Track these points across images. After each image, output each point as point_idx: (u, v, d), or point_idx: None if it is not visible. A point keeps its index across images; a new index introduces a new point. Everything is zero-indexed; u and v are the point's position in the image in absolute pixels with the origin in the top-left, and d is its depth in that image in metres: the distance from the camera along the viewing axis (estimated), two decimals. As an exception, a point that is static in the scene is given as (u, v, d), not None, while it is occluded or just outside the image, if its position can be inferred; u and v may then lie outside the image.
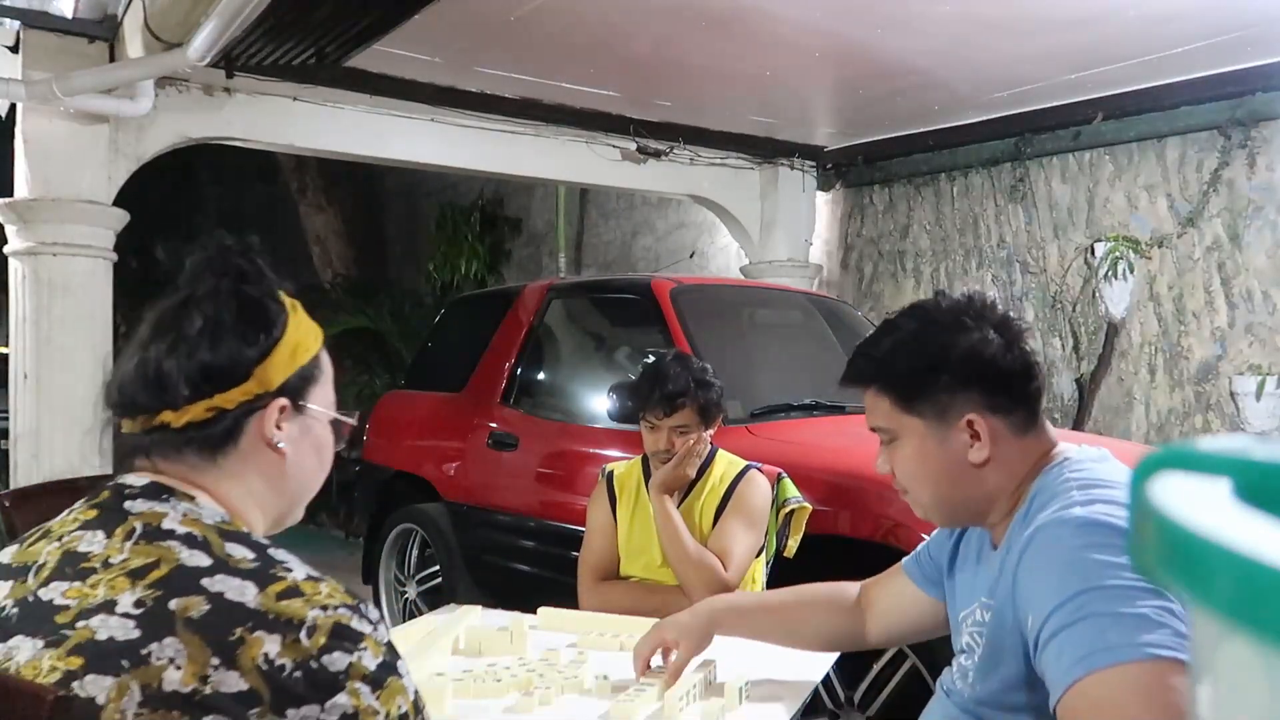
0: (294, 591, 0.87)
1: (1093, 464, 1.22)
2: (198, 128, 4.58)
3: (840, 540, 2.73)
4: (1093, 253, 4.83)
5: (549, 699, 1.58)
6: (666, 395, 2.31)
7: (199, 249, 1.01)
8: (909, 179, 5.70)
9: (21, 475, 4.08)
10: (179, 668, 0.81)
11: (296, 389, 1.00)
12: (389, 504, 4.62)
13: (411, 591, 4.44)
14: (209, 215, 11.15)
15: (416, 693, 0.91)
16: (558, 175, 5.63)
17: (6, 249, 4.24)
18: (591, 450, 3.62)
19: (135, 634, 0.83)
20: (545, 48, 4.17)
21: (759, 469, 2.42)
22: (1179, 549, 0.28)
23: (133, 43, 4.06)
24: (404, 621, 3.59)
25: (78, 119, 4.17)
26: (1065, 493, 1.16)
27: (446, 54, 4.29)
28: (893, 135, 5.55)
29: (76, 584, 0.87)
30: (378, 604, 4.56)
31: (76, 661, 0.82)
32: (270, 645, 0.83)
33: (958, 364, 1.24)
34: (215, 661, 0.81)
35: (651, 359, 2.46)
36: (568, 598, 2.35)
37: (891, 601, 1.58)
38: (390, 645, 0.90)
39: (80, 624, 0.84)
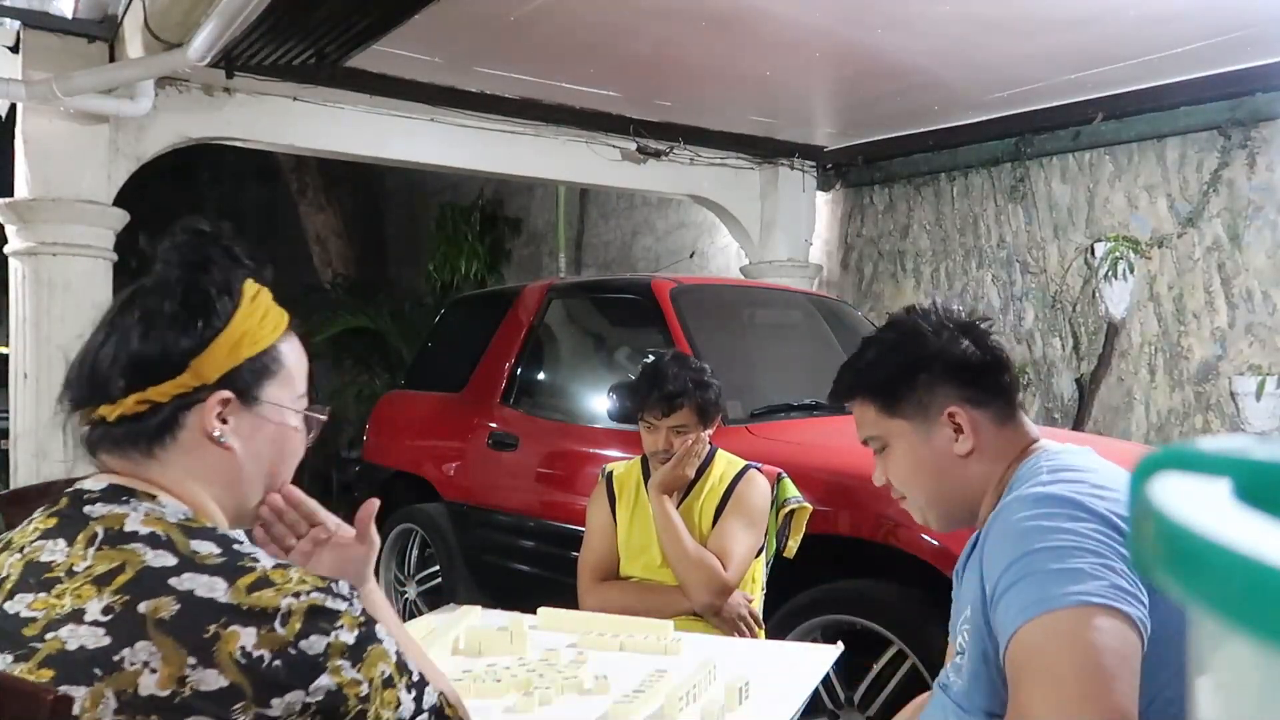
0: (264, 582, 0.86)
1: (1068, 454, 1.27)
2: (198, 128, 4.58)
3: (840, 540, 2.73)
4: (1093, 253, 4.83)
5: (549, 699, 1.58)
6: (665, 395, 2.31)
7: (170, 235, 0.98)
8: (909, 179, 5.70)
9: (22, 475, 4.08)
10: (154, 671, 0.80)
11: (246, 382, 0.96)
12: (389, 504, 4.61)
13: (411, 591, 4.45)
14: (209, 215, 11.07)
15: (399, 652, 0.90)
16: (558, 175, 5.63)
17: (6, 249, 4.24)
18: (591, 450, 3.62)
19: (106, 641, 0.81)
20: (545, 48, 4.17)
21: (759, 469, 2.42)
22: (1179, 549, 0.28)
23: (133, 43, 4.06)
24: (404, 622, 3.58)
25: (78, 119, 4.18)
26: (1035, 475, 1.22)
27: (446, 54, 4.29)
28: (893, 135, 5.55)
29: (42, 595, 0.85)
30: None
31: (47, 674, 0.81)
32: (246, 638, 0.82)
33: (931, 363, 1.33)
34: (192, 661, 0.80)
35: (650, 359, 2.47)
36: (568, 598, 2.36)
37: None
38: (366, 615, 0.89)
39: (49, 635, 0.83)
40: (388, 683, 0.88)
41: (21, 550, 0.90)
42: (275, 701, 0.82)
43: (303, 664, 0.83)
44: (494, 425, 4.09)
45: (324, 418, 1.06)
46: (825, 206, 6.20)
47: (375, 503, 1.16)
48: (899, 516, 2.55)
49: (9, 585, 0.88)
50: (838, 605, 2.73)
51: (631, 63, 4.33)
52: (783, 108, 5.13)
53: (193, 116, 4.54)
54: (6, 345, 4.40)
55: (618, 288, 4.20)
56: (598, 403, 3.67)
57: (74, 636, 0.82)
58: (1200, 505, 0.29)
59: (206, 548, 0.88)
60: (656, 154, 5.55)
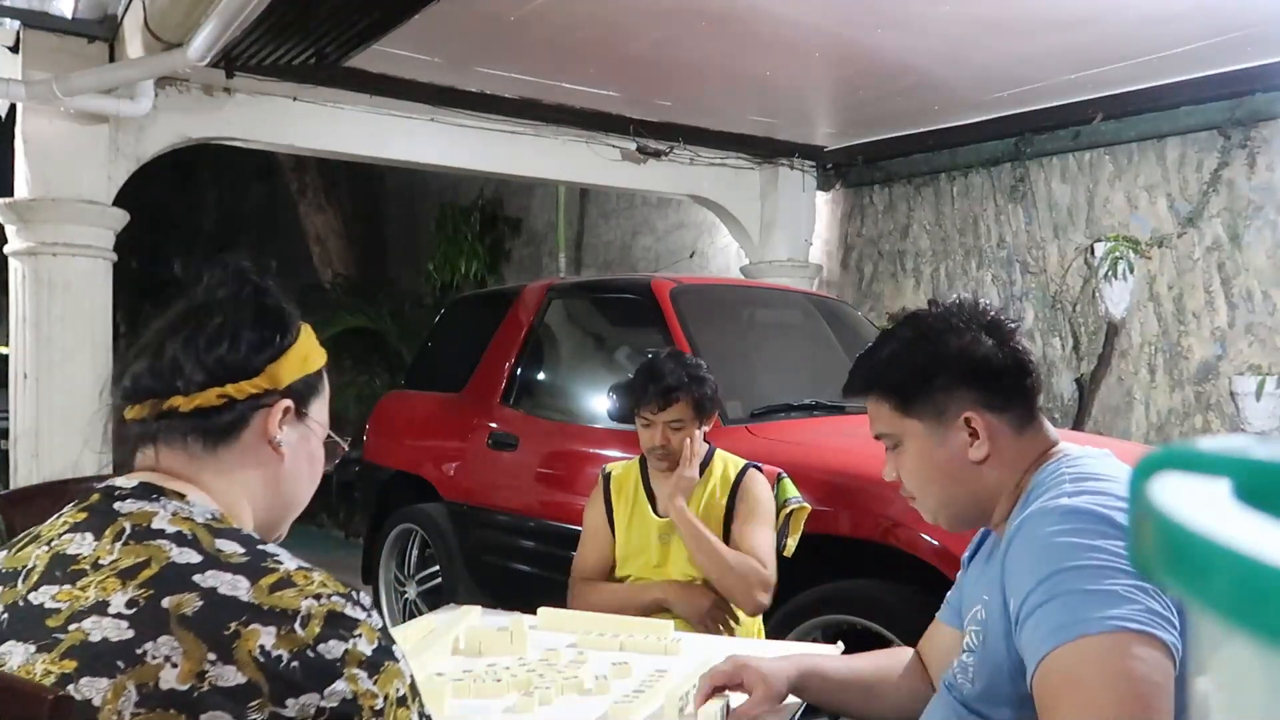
0: (286, 582, 0.87)
1: (1090, 460, 1.24)
2: (198, 128, 4.58)
3: (840, 540, 2.73)
4: (1093, 253, 4.83)
5: (549, 699, 1.58)
6: (661, 390, 2.32)
7: (217, 266, 1.05)
8: (909, 179, 5.70)
9: (21, 475, 4.09)
10: (175, 665, 0.81)
11: (302, 395, 1.03)
12: (389, 504, 4.62)
13: (411, 591, 4.45)
14: (209, 215, 11.15)
15: (413, 677, 0.92)
16: (558, 175, 5.63)
17: (6, 249, 4.24)
18: (591, 450, 3.62)
19: (129, 634, 0.82)
20: (545, 48, 4.17)
21: (759, 469, 2.43)
22: (1179, 549, 0.28)
23: (133, 43, 4.06)
24: (404, 621, 3.59)
25: (78, 119, 4.18)
26: (1058, 485, 1.19)
27: (446, 54, 4.29)
28: (893, 135, 5.55)
29: (66, 587, 0.87)
30: (378, 604, 4.56)
31: (70, 665, 0.82)
32: (266, 637, 0.83)
33: (951, 365, 1.29)
34: (212, 657, 0.81)
35: (648, 357, 2.48)
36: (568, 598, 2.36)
37: (939, 654, 1.52)
38: (385, 630, 0.90)
39: (72, 627, 0.84)
40: (401, 702, 0.89)
41: (50, 543, 0.92)
42: (290, 702, 0.83)
43: (319, 667, 0.84)
44: (494, 425, 4.09)
45: (346, 447, 1.13)
46: (825, 206, 6.20)
47: None
48: (899, 516, 2.55)
49: (35, 577, 0.89)
50: (838, 605, 2.73)
51: (631, 63, 4.33)
52: (783, 108, 5.13)
53: (193, 116, 4.54)
54: (6, 345, 4.40)
55: (618, 288, 4.20)
56: (597, 403, 3.67)
57: (97, 628, 0.83)
58: (1200, 505, 0.29)
59: (231, 547, 0.90)
60: (656, 154, 5.55)
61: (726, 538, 2.33)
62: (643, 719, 1.52)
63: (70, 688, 0.80)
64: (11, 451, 4.22)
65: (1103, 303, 4.78)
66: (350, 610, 0.88)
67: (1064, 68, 4.28)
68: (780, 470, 2.53)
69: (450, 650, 1.86)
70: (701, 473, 2.40)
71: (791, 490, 2.50)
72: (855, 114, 5.21)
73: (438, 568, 4.26)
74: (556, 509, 3.67)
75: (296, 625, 0.85)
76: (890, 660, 1.59)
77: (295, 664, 0.83)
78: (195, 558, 0.88)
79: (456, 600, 2.62)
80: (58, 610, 0.85)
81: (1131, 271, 4.64)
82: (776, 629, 2.65)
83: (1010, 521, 1.25)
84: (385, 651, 0.89)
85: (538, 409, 4.08)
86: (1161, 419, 4.61)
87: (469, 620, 2.03)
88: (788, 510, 2.48)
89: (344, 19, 3.62)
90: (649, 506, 2.42)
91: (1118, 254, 4.65)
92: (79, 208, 4.18)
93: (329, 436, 1.09)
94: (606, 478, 2.51)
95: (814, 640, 2.66)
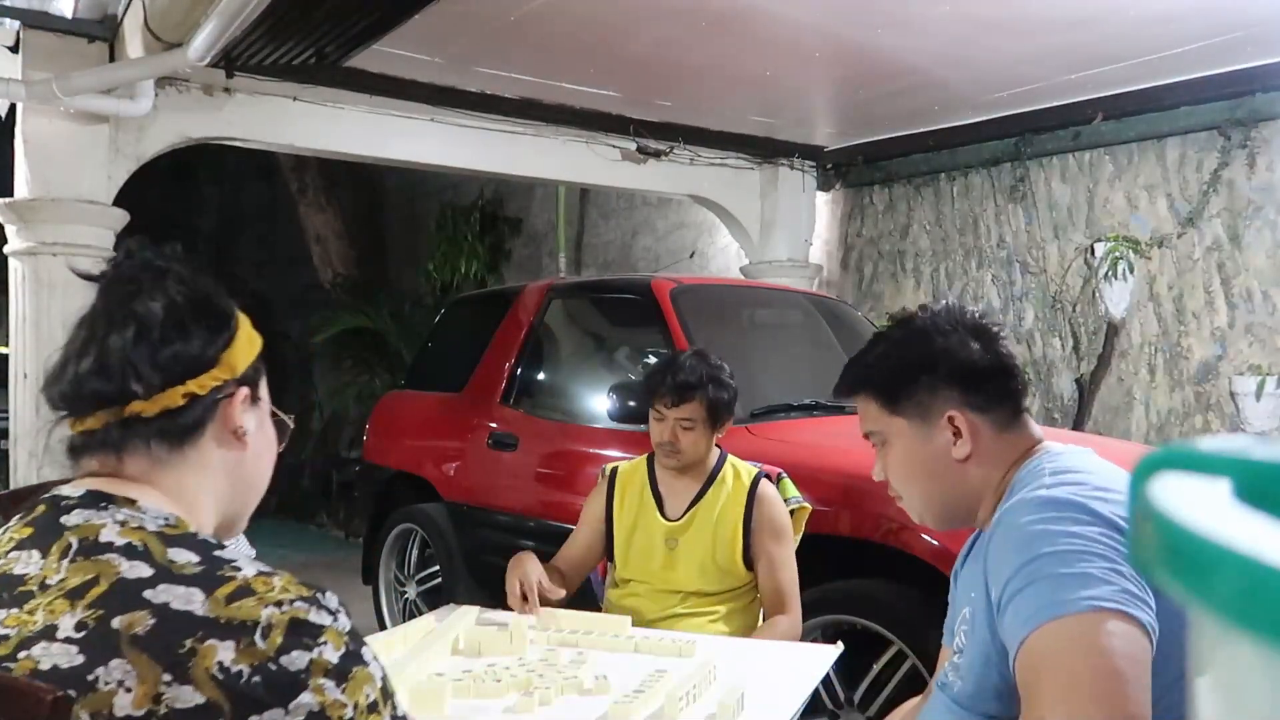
0: (245, 591, 0.82)
1: (1070, 455, 1.27)
2: (198, 128, 4.58)
3: (840, 540, 2.73)
4: (1093, 253, 4.83)
5: (549, 699, 1.58)
6: (676, 385, 2.29)
7: (124, 259, 1.00)
8: (909, 179, 5.70)
9: (21, 475, 4.08)
10: (129, 690, 0.76)
11: (254, 379, 0.99)
12: (389, 504, 4.62)
13: (411, 591, 4.45)
14: (209, 215, 11.15)
15: (384, 678, 0.87)
16: (558, 175, 5.63)
17: (6, 249, 4.24)
18: (591, 450, 3.62)
19: (79, 660, 0.77)
20: (545, 48, 4.17)
21: (766, 476, 2.42)
22: (1179, 549, 0.28)
23: (133, 43, 4.06)
24: (404, 621, 3.59)
25: (78, 119, 4.18)
26: (1037, 479, 1.23)
27: (446, 54, 4.29)
28: (893, 135, 5.55)
29: (14, 611, 0.82)
30: (377, 604, 4.56)
31: None
32: (224, 653, 0.78)
33: (936, 365, 1.33)
34: (167, 678, 0.76)
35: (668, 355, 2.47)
36: (568, 598, 2.36)
37: None
38: (353, 633, 0.85)
39: (22, 655, 0.79)
40: (373, 708, 0.84)
41: None
42: (254, 719, 0.78)
43: (283, 680, 0.79)
44: (494, 425, 4.09)
45: (291, 424, 1.08)
46: (825, 206, 6.20)
47: None
48: (899, 516, 2.54)
49: None
50: (838, 605, 2.73)
51: (631, 63, 4.33)
52: (783, 108, 5.13)
53: (193, 116, 4.54)
54: (6, 345, 4.40)
55: (618, 288, 4.19)
56: (598, 403, 3.67)
57: (47, 655, 0.78)
58: (1200, 505, 0.29)
59: (184, 556, 0.85)
60: (656, 154, 5.55)
61: (747, 549, 2.31)
62: (642, 719, 1.52)
63: None
64: (11, 451, 4.22)
65: (1103, 303, 4.78)
66: (315, 616, 0.83)
67: (1064, 68, 4.28)
68: (780, 470, 2.53)
69: (450, 650, 1.86)
70: (713, 480, 2.38)
71: (792, 490, 2.49)
72: (855, 114, 5.21)
73: (438, 568, 4.26)
74: (556, 509, 3.67)
75: (257, 637, 0.79)
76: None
77: (257, 679, 0.78)
78: (146, 571, 0.82)
79: (456, 600, 2.62)
80: (6, 637, 0.80)
81: (1131, 271, 4.64)
82: (776, 629, 2.64)
83: (994, 518, 1.28)
84: (354, 657, 0.84)
85: (538, 409, 4.08)
86: (1161, 419, 4.61)
87: (469, 620, 2.03)
88: (789, 510, 2.48)
89: (344, 19, 3.62)
90: (656, 509, 2.40)
91: (1118, 254, 4.65)
92: (79, 208, 4.17)
93: (274, 413, 1.04)
94: (612, 473, 2.49)
95: (814, 640, 2.66)
